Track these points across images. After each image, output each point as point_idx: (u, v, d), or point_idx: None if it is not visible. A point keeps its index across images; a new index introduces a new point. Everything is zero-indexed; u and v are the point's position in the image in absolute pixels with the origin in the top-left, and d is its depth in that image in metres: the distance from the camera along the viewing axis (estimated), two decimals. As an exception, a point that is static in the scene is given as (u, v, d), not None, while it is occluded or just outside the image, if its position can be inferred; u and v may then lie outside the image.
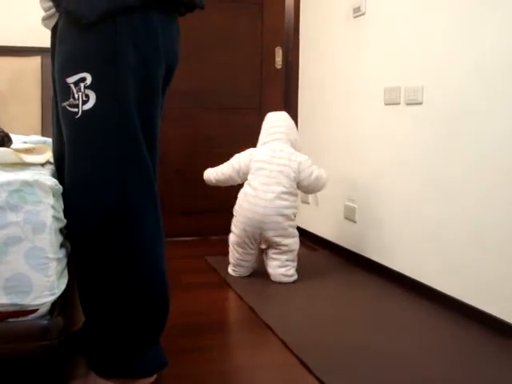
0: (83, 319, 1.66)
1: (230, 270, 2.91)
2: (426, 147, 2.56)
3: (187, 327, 2.18)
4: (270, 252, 2.77)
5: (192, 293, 2.62)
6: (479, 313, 2.23)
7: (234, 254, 2.85)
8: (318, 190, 2.92)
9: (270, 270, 2.78)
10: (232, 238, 2.83)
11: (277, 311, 2.36)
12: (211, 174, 2.95)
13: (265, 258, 2.84)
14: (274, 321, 2.23)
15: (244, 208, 2.72)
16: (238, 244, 2.78)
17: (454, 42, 2.39)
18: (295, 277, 2.79)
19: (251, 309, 2.40)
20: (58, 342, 1.32)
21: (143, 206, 1.54)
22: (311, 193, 2.97)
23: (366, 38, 3.05)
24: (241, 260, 2.83)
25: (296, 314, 2.34)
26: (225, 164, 2.89)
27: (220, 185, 2.97)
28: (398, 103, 2.75)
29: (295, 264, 2.80)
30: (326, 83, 3.51)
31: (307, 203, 3.72)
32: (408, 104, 2.68)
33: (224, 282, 2.79)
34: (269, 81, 3.95)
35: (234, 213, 2.81)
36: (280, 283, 2.76)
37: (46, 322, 1.32)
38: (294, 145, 2.88)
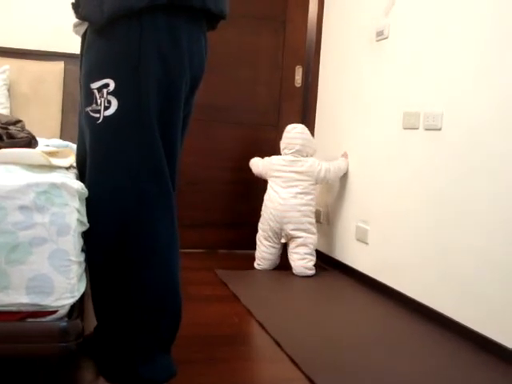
0: (94, 324, 1.67)
1: (255, 264, 3.39)
2: (442, 173, 2.56)
3: (194, 339, 2.17)
4: (290, 247, 3.30)
5: (200, 305, 2.62)
6: (489, 341, 2.22)
7: (260, 248, 3.36)
8: (340, 175, 3.40)
9: (292, 263, 3.29)
10: (260, 233, 3.37)
11: (285, 327, 2.35)
12: (253, 166, 3.55)
13: (288, 254, 3.33)
14: (281, 336, 2.23)
15: (268, 206, 3.30)
16: (265, 238, 3.33)
17: (476, 70, 2.40)
18: (314, 271, 3.27)
19: (259, 323, 2.40)
20: (76, 344, 1.32)
21: (159, 215, 1.54)
22: (336, 179, 3.46)
23: (387, 61, 3.08)
24: (266, 253, 3.33)
25: (304, 330, 2.33)
26: (259, 161, 3.49)
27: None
28: (417, 128, 2.76)
29: (313, 258, 3.29)
30: (344, 104, 3.53)
31: (319, 222, 3.72)
32: (427, 129, 2.69)
33: (233, 296, 2.79)
34: (287, 98, 3.97)
35: (262, 212, 3.37)
36: (300, 277, 3.24)
37: (64, 323, 1.33)
38: (310, 154, 3.37)
